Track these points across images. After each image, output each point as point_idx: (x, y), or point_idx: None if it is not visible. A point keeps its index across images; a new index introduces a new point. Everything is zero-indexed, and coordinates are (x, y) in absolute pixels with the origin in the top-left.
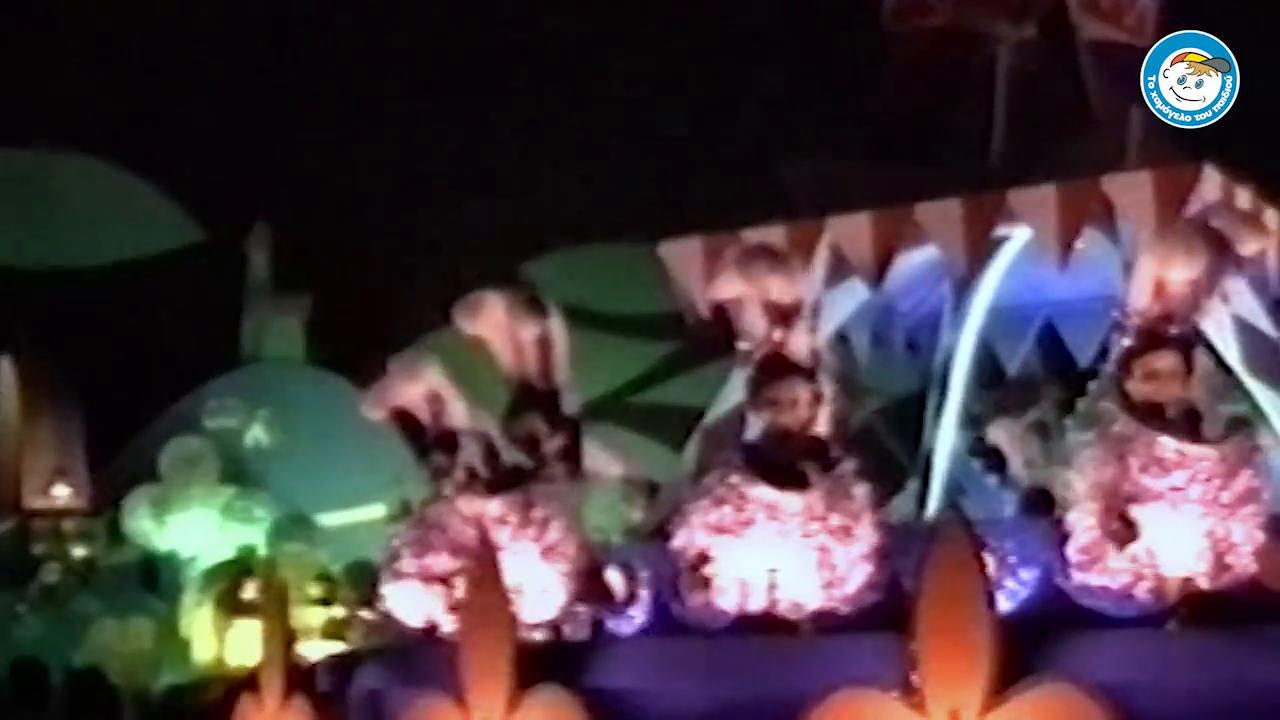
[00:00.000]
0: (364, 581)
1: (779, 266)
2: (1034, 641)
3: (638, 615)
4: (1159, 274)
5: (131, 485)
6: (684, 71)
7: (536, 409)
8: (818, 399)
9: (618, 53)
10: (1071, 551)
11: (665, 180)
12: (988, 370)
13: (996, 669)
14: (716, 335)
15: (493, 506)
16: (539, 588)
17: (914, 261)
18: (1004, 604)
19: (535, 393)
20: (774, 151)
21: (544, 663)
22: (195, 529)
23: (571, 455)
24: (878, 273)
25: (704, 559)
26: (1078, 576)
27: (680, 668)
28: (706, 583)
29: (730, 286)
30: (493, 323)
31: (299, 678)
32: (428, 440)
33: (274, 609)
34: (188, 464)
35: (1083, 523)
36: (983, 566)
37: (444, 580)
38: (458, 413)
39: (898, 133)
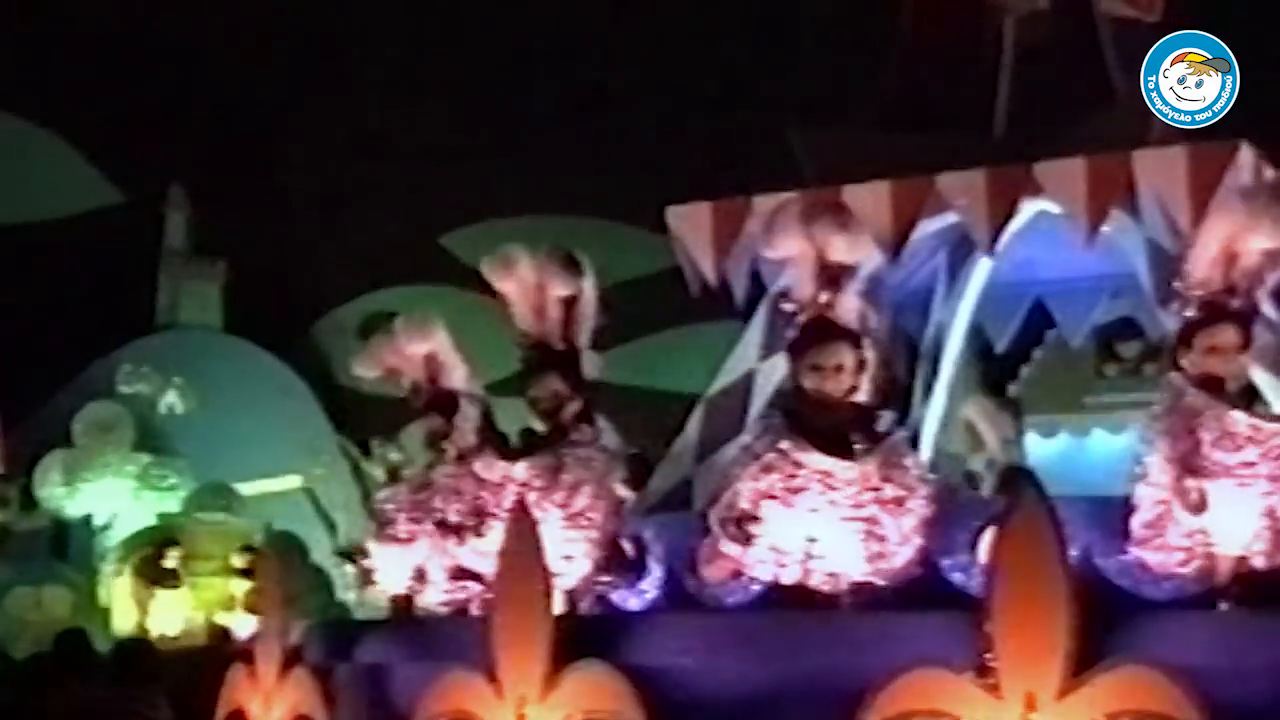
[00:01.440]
0: (285, 553)
1: (846, 225)
2: (1105, 623)
3: (648, 589)
4: (1227, 245)
5: (43, 450)
6: (619, 38)
7: (556, 370)
8: (862, 365)
9: (550, 17)
10: (1135, 525)
11: (596, 153)
12: (976, 348)
13: (1075, 651)
14: (724, 303)
15: (519, 469)
16: (561, 555)
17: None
18: None
19: (555, 354)
20: (726, 120)
21: (584, 637)
22: (109, 496)
23: (588, 420)
24: (897, 243)
25: (750, 517)
26: (1134, 552)
27: (729, 644)
28: (749, 538)
29: (789, 243)
30: (520, 280)
31: (296, 650)
32: (421, 402)
33: (269, 577)
34: (102, 430)
35: (1152, 496)
36: (1063, 544)
37: (456, 534)
38: (457, 375)
39: (908, 103)
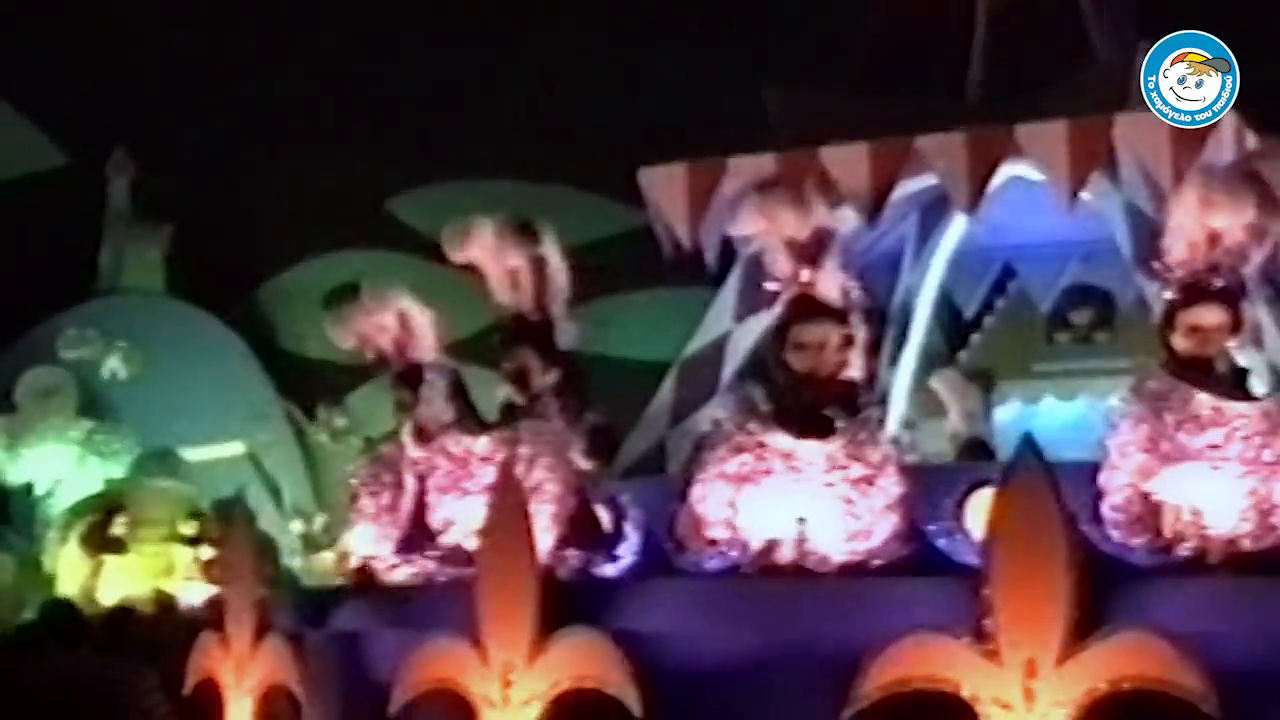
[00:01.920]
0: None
1: (793, 202)
2: (1103, 589)
3: (625, 556)
4: (1204, 222)
5: None
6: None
7: (528, 342)
8: (848, 341)
9: None
10: (1106, 510)
11: (544, 117)
12: (946, 313)
13: (1076, 617)
14: (699, 267)
15: (480, 444)
16: None
17: None
18: None
19: (527, 325)
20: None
21: (572, 603)
22: (51, 462)
23: (568, 391)
24: (874, 206)
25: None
26: (1114, 535)
27: (721, 610)
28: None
29: (751, 223)
30: (483, 248)
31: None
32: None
33: (239, 542)
34: (44, 395)
35: (1116, 480)
36: (1063, 508)
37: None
38: (426, 346)
39: (883, 64)
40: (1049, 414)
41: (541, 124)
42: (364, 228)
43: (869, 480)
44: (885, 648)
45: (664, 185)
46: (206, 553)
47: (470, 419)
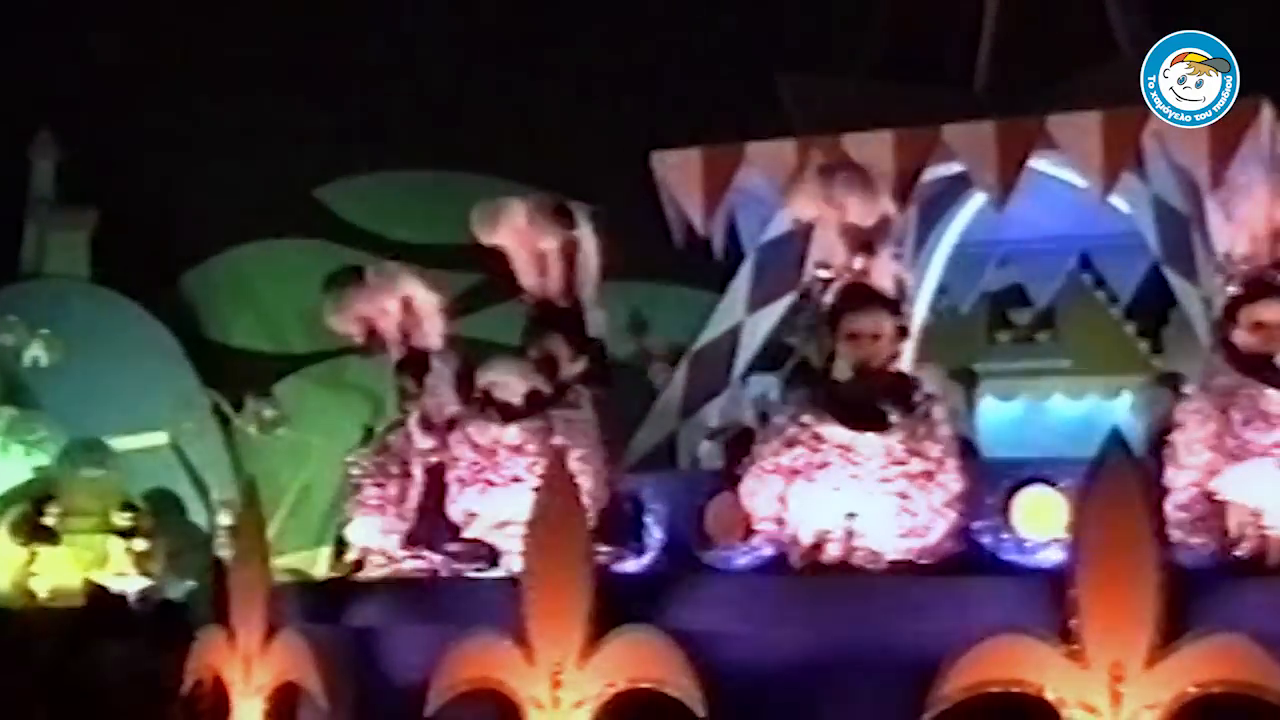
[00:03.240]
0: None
1: (860, 185)
2: (1189, 592)
3: (648, 551)
4: (1272, 216)
5: None
6: None
7: (557, 329)
8: (902, 333)
9: None
10: (1170, 509)
11: (475, 106)
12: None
13: (1164, 619)
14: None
15: (510, 434)
16: None
17: None
18: None
19: (555, 311)
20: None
21: (626, 600)
22: None
23: (596, 380)
24: (900, 195)
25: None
26: (1175, 535)
27: (783, 609)
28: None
29: (808, 206)
30: (513, 231)
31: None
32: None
33: (252, 530)
34: None
35: (1182, 479)
36: (1153, 507)
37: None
38: (433, 332)
39: (897, 52)
40: (989, 413)
41: (475, 115)
42: (292, 216)
43: (928, 476)
44: (966, 649)
45: (677, 170)
46: (140, 544)
47: (493, 407)
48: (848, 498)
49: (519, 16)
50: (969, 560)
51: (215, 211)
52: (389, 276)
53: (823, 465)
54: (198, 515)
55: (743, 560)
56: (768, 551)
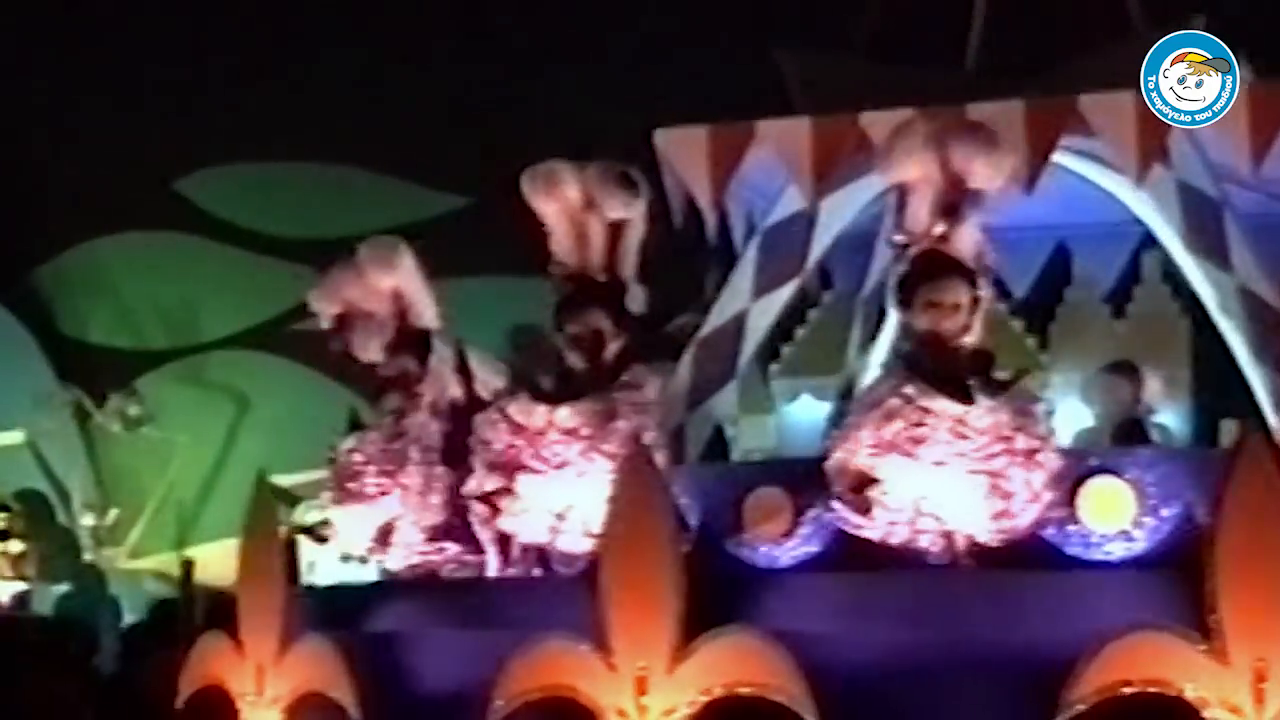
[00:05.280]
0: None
1: (991, 147)
2: None
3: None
4: None
5: None
6: None
7: (598, 304)
8: (976, 303)
9: None
10: None
11: (349, 96)
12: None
13: None
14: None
15: (563, 415)
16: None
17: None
18: (1139, 542)
19: (597, 286)
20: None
21: (717, 599)
22: None
23: (632, 360)
24: None
25: (869, 480)
26: None
27: (886, 606)
28: (868, 506)
29: (916, 165)
30: (562, 200)
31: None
32: (387, 341)
33: (268, 531)
34: None
35: None
36: None
37: (486, 500)
38: (428, 311)
39: (896, 28)
40: None
41: (342, 106)
42: (151, 208)
43: (1030, 454)
44: (1101, 647)
45: (682, 148)
46: (16, 546)
47: (535, 385)
48: (946, 475)
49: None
50: (1034, 554)
51: (69, 204)
52: (386, 252)
53: (922, 440)
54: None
55: (788, 556)
56: (814, 547)
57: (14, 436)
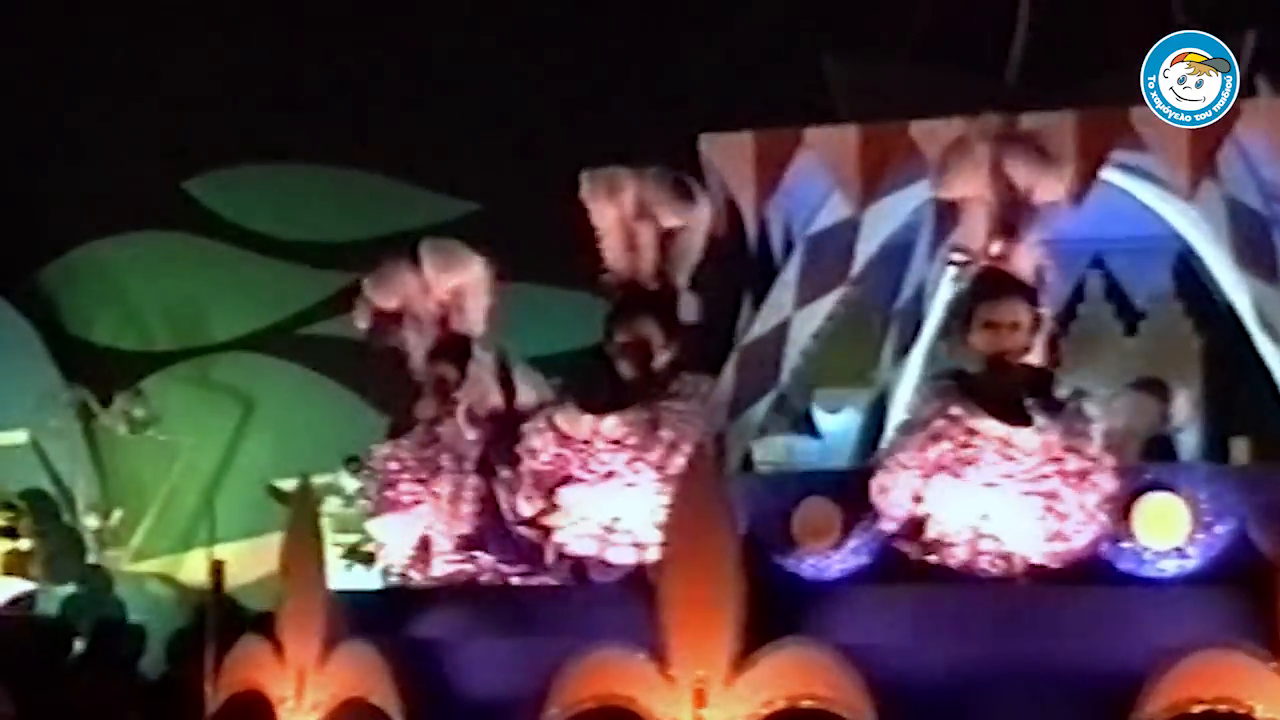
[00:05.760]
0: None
1: (1051, 163)
2: None
3: None
4: None
5: None
6: None
7: (648, 313)
8: (1037, 323)
9: None
10: None
11: (354, 99)
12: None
13: None
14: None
15: (609, 424)
16: (656, 523)
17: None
18: (1193, 559)
19: (647, 294)
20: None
21: (778, 610)
22: None
23: (681, 370)
24: None
25: (922, 523)
26: None
27: (949, 620)
28: (932, 548)
29: (972, 182)
30: (619, 205)
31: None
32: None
33: (309, 532)
34: None
35: None
36: None
37: (533, 524)
38: (476, 318)
39: (939, 36)
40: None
41: (352, 108)
42: (159, 208)
43: (1082, 475)
44: (1172, 665)
45: (728, 155)
46: (24, 544)
47: (579, 395)
48: (997, 496)
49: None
50: (1085, 571)
51: (76, 203)
52: (453, 252)
53: (970, 461)
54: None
55: (837, 568)
56: (864, 559)
57: (18, 436)
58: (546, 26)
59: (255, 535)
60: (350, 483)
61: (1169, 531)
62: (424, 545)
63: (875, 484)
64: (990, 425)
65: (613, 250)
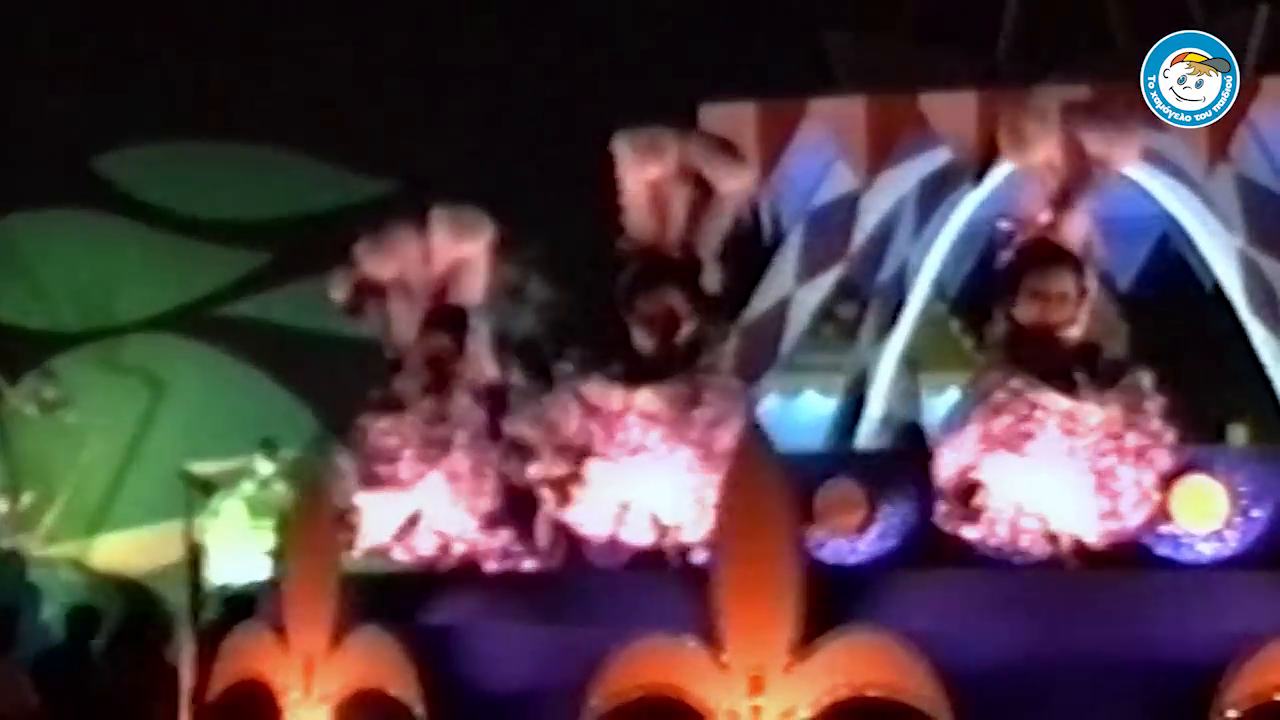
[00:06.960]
0: None
1: (1128, 132)
2: None
3: None
4: None
5: None
6: None
7: (673, 282)
8: (1083, 294)
9: None
10: None
11: (267, 75)
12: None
13: None
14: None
15: (643, 398)
16: (692, 502)
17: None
18: (1231, 543)
19: (671, 263)
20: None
21: (833, 595)
22: None
23: (708, 343)
24: (984, 161)
25: (974, 486)
26: None
27: (1003, 605)
28: (976, 515)
29: (1045, 147)
30: (659, 168)
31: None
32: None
33: (319, 515)
34: None
35: None
36: None
37: (556, 485)
38: (475, 290)
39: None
40: (808, 408)
41: (266, 84)
42: (68, 185)
43: (1141, 452)
44: (1254, 653)
45: (729, 125)
46: None
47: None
48: (1057, 472)
49: None
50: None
51: None
52: (470, 219)
53: (1031, 435)
54: None
55: (864, 550)
56: (892, 542)
57: None
58: None
59: (166, 520)
60: (265, 466)
61: (1208, 515)
62: (411, 522)
63: (940, 463)
64: (1054, 399)
65: (636, 216)
